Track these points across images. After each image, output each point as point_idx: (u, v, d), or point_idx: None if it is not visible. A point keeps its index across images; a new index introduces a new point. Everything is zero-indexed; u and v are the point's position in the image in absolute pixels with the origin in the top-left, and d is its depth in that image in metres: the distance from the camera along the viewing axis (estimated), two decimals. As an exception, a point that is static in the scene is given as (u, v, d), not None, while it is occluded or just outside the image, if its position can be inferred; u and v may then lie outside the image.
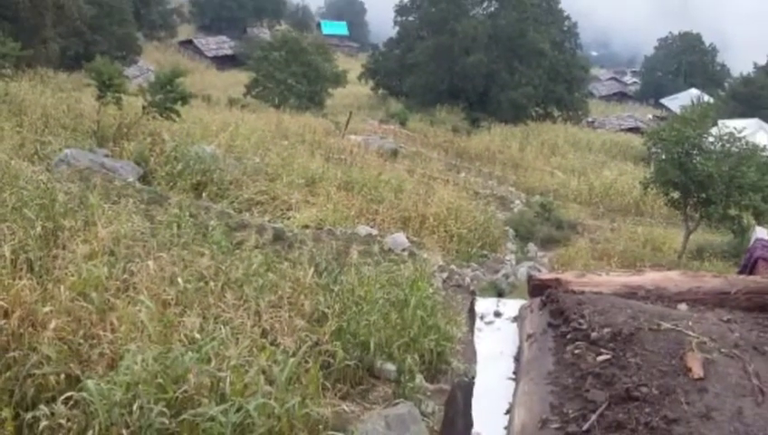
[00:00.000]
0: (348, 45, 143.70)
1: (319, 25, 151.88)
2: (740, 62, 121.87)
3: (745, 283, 3.33)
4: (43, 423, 7.98)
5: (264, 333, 11.00)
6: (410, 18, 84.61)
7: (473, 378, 2.96)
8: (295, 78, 67.04)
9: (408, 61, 78.76)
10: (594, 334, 2.73)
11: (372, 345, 12.12)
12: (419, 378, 12.27)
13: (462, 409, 3.16)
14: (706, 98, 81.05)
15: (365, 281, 14.29)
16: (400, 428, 9.73)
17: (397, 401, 10.97)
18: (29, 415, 8.21)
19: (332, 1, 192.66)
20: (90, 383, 8.23)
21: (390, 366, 12.26)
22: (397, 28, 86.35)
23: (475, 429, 2.67)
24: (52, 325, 9.27)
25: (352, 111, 60.37)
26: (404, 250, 21.47)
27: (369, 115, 67.66)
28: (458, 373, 12.99)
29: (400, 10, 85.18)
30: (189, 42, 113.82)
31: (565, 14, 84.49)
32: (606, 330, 2.73)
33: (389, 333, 12.67)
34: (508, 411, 2.67)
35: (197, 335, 9.76)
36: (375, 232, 23.02)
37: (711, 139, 31.87)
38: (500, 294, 19.35)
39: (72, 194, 15.67)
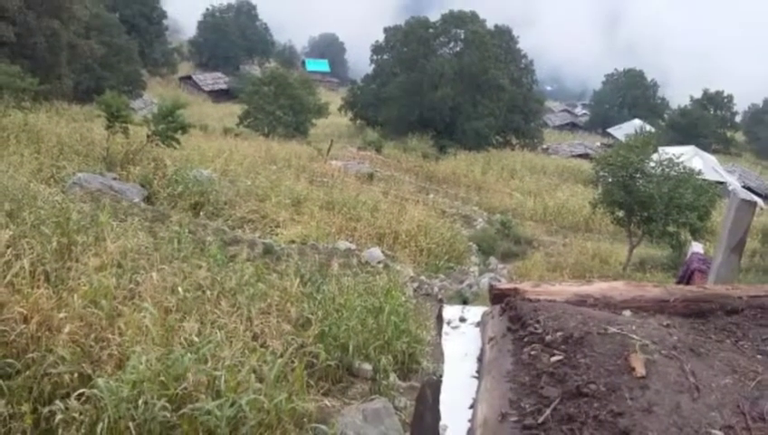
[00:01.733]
0: (329, 81, 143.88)
1: (303, 63, 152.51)
2: (678, 96, 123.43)
3: (683, 292, 3.34)
4: (59, 417, 7.97)
5: (254, 337, 11.01)
6: (385, 57, 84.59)
7: (441, 376, 2.95)
8: (283, 110, 67.05)
9: (383, 95, 78.76)
10: (548, 338, 2.73)
11: (351, 347, 12.16)
12: (393, 376, 12.31)
13: (431, 404, 3.16)
14: (648, 127, 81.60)
15: (345, 290, 14.36)
16: (376, 421, 9.73)
17: (373, 396, 10.98)
18: (46, 409, 8.19)
19: (316, 41, 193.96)
20: (100, 381, 8.23)
21: (367, 366, 12.28)
22: (373, 66, 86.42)
23: (443, 422, 2.66)
24: (66, 330, 9.24)
25: (333, 139, 60.34)
26: (379, 263, 21.48)
27: (349, 143, 67.59)
28: (428, 372, 13.03)
29: (376, 49, 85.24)
30: (188, 77, 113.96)
31: (523, 53, 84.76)
32: (559, 333, 2.74)
33: (366, 336, 12.71)
34: (472, 406, 2.66)
35: (196, 339, 9.74)
36: (353, 247, 23.03)
37: (652, 164, 32.14)
38: (465, 302, 19.34)
39: (85, 213, 15.61)
